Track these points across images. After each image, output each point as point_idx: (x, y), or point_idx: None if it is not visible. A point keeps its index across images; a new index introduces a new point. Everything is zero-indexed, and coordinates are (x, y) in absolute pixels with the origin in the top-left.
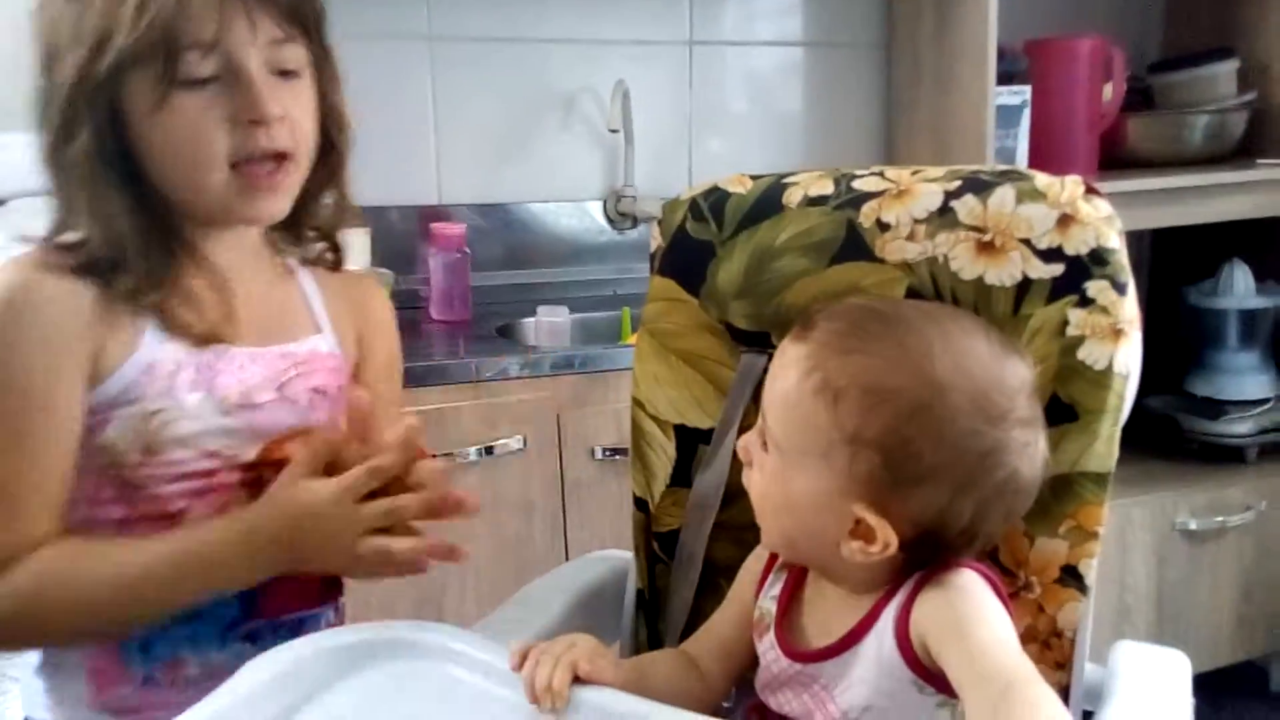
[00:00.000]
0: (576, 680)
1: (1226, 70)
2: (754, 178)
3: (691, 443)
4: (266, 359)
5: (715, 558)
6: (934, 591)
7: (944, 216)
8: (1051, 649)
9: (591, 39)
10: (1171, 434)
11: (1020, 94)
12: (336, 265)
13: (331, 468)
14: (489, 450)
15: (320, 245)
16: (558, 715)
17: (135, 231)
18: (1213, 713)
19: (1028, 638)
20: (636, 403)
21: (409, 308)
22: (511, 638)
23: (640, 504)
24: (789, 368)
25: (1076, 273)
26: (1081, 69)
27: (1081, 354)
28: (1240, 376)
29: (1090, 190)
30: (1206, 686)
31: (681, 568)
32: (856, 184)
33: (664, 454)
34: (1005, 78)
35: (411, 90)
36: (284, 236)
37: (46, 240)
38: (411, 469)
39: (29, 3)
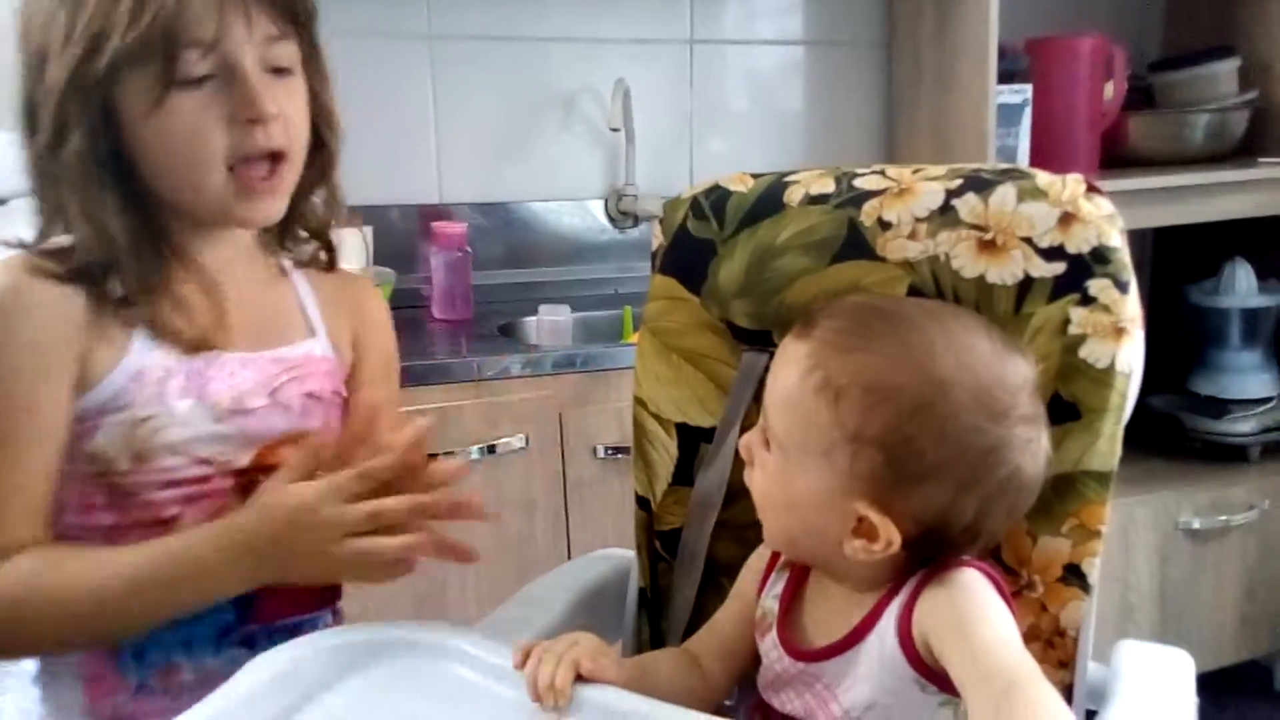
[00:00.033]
0: (579, 679)
1: (1227, 69)
2: (755, 176)
3: (693, 441)
4: (259, 364)
5: (717, 556)
6: (936, 590)
7: (945, 215)
8: (1054, 648)
9: (592, 38)
10: (1174, 433)
11: (1021, 93)
12: (330, 266)
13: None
14: (491, 449)
15: (313, 246)
16: (560, 714)
17: (126, 234)
18: (1216, 712)
19: (1030, 637)
20: (638, 401)
21: (410, 307)
22: (514, 636)
23: (642, 503)
24: (790, 366)
25: (1078, 271)
26: (1082, 68)
27: (1083, 352)
28: (1243, 375)
29: (1091, 189)
30: (1210, 686)
31: (684, 566)
32: (858, 182)
33: (666, 453)
34: (1006, 76)
35: (412, 89)
36: (276, 237)
37: (34, 245)
38: (418, 471)
39: (15, 3)
